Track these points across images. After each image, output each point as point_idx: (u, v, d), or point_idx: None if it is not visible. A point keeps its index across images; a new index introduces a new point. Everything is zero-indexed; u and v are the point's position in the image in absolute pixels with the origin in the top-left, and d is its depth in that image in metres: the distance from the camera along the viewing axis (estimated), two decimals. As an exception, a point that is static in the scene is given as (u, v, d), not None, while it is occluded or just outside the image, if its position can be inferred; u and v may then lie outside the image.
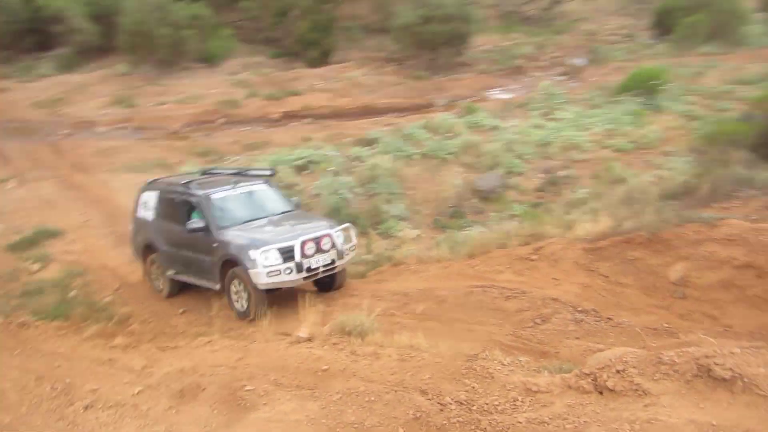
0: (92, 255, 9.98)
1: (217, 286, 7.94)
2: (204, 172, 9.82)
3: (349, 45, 26.68)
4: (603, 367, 3.85)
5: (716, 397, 3.31)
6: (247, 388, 4.74)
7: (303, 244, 7.44)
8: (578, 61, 24.51)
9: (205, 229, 7.91)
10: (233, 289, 7.74)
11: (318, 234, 7.69)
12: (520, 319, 6.25)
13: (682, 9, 24.54)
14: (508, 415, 3.82)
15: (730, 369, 3.37)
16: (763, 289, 5.84)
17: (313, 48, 24.28)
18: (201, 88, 20.05)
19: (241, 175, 9.22)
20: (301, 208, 9.06)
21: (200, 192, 8.31)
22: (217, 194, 8.30)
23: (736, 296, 5.93)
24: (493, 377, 4.30)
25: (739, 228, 6.26)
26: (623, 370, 3.72)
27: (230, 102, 18.85)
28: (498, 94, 21.33)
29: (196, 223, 7.95)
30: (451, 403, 4.06)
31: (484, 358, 4.72)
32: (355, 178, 11.84)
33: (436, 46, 23.44)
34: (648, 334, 5.55)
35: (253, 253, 7.34)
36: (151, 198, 9.12)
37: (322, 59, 24.31)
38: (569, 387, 3.92)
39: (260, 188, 8.73)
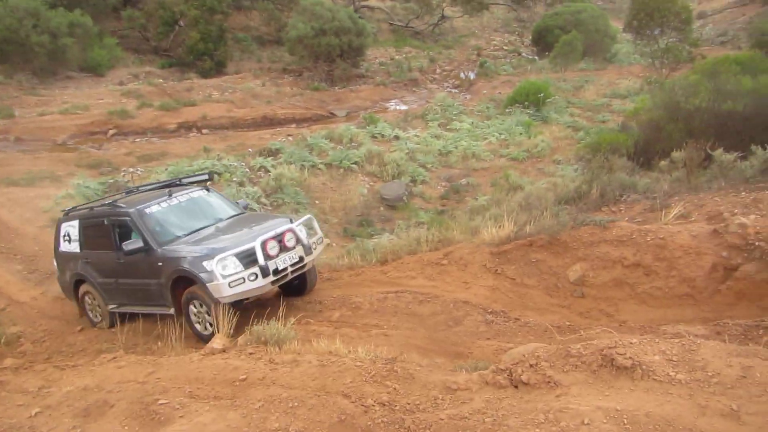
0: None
1: (171, 310, 7.23)
2: (128, 191, 8.87)
3: (243, 56, 26.35)
4: (517, 363, 4.11)
5: (619, 384, 3.63)
6: (161, 401, 4.57)
7: (264, 244, 6.76)
8: (469, 75, 25.63)
9: (145, 249, 7.11)
10: (193, 310, 7.01)
11: (278, 231, 7.01)
12: (434, 323, 6.47)
13: (558, 28, 26.37)
14: (430, 413, 3.98)
15: (631, 358, 3.71)
16: (651, 286, 6.41)
17: (206, 58, 23.75)
18: (87, 98, 18.99)
19: (173, 185, 8.41)
20: (248, 210, 8.35)
21: (131, 209, 7.45)
22: (152, 207, 7.53)
23: (628, 293, 6.46)
24: (413, 378, 4.45)
25: (627, 230, 6.80)
26: (536, 364, 3.99)
27: (121, 112, 17.98)
28: (396, 105, 21.88)
29: (132, 243, 7.07)
30: (374, 405, 4.16)
31: (403, 361, 4.89)
32: (261, 188, 11.72)
33: (332, 58, 23.69)
34: (554, 332, 5.94)
35: (209, 264, 6.58)
36: (72, 228, 8.21)
37: (216, 70, 23.83)
38: (487, 383, 4.14)
39: (199, 195, 8.03)
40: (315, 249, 7.32)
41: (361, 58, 25.33)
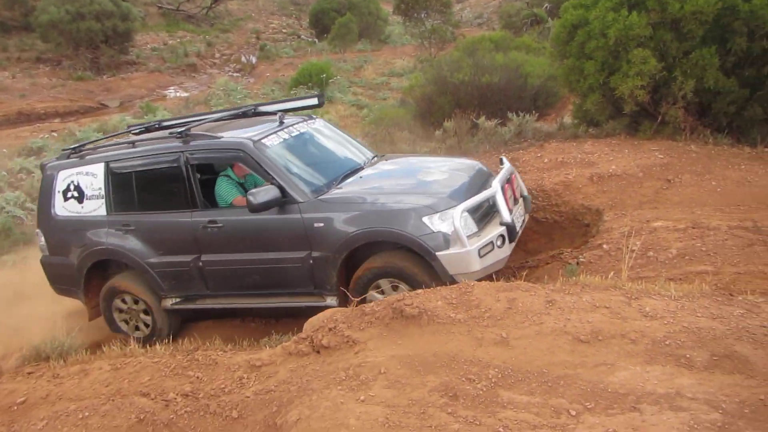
0: None
1: (331, 299, 5.08)
2: (147, 126, 6.34)
3: (-17, 44, 23.02)
4: (318, 329, 4.24)
5: (409, 332, 3.93)
6: None
7: (504, 190, 5.01)
8: (250, 58, 25.26)
9: (283, 202, 4.91)
10: (376, 297, 4.80)
11: (506, 174, 5.27)
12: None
13: (334, 11, 27.13)
14: (236, 394, 3.95)
15: (417, 307, 4.02)
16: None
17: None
18: None
19: (275, 111, 5.95)
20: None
21: (243, 140, 5.17)
22: (271, 139, 5.30)
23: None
24: (216, 363, 4.37)
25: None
26: (335, 327, 4.15)
27: None
28: (176, 92, 20.79)
29: (264, 193, 4.82)
30: (176, 398, 4.02)
31: (206, 348, 4.76)
32: (25, 193, 10.40)
33: (95, 44, 21.72)
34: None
35: (438, 221, 4.65)
36: (85, 178, 5.69)
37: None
38: (290, 354, 4.22)
39: (317, 127, 5.95)
40: (529, 202, 5.70)
41: (130, 44, 23.61)
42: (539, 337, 3.61)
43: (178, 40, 26.28)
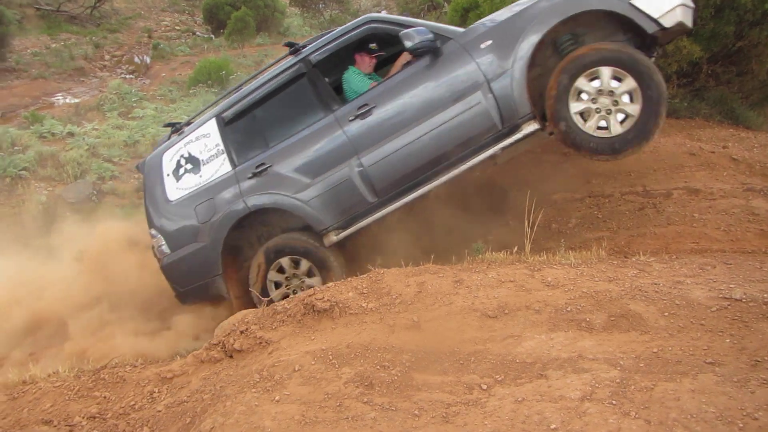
0: None
1: (529, 125, 4.48)
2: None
3: None
4: (229, 333, 4.13)
5: (322, 326, 3.90)
6: None
7: None
8: (143, 58, 24.15)
9: (433, 43, 4.51)
10: (581, 107, 4.35)
11: None
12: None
13: (228, 5, 26.37)
14: (147, 410, 3.79)
15: (328, 300, 4.00)
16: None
17: None
18: None
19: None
20: None
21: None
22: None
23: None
24: (125, 380, 4.17)
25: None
26: (246, 330, 4.06)
27: None
28: (64, 99, 19.55)
29: (418, 33, 4.42)
30: (81, 421, 3.82)
31: (113, 366, 4.53)
32: None
33: (-33, 51, 20.10)
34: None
35: None
36: (197, 144, 5.14)
37: None
38: (202, 362, 4.09)
39: None
40: None
41: (8, 50, 21.92)
42: (449, 317, 3.67)
43: (62, 43, 24.63)
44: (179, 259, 5.22)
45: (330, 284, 4.25)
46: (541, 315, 3.57)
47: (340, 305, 3.95)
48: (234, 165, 5.08)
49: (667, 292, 3.60)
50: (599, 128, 4.42)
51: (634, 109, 4.31)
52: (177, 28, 28.32)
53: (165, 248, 5.27)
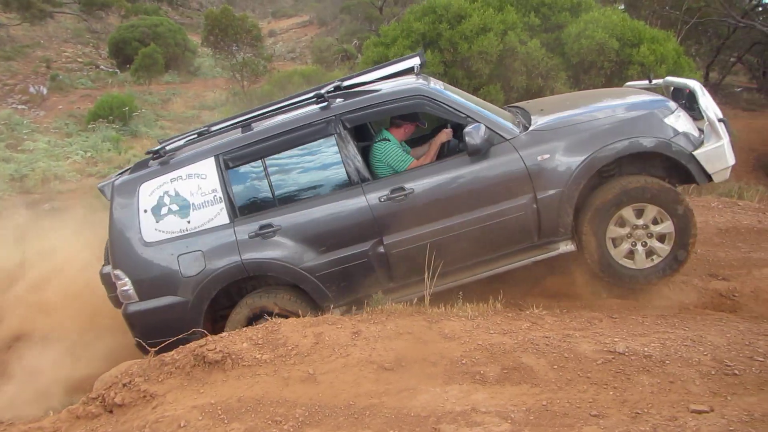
0: None
1: (566, 245, 4.50)
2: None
3: None
4: (110, 386, 3.84)
5: (212, 379, 3.72)
6: None
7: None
8: (39, 89, 22.91)
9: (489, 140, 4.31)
10: (618, 232, 4.45)
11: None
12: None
13: (137, 40, 25.72)
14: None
15: (221, 351, 3.83)
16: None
17: None
18: None
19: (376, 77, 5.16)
20: None
21: (411, 83, 4.67)
22: (432, 82, 4.77)
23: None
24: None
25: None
26: (130, 382, 3.79)
27: None
28: (-54, 127, 18.08)
29: (478, 131, 4.21)
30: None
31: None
32: None
33: None
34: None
35: (676, 118, 4.46)
36: (188, 183, 4.48)
37: None
38: (78, 417, 3.78)
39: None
40: None
41: None
42: (346, 370, 3.60)
43: (-51, 69, 23.07)
44: (150, 310, 4.61)
45: (224, 334, 4.07)
46: (437, 367, 3.57)
47: (233, 356, 3.78)
48: (232, 218, 4.57)
49: (557, 345, 3.72)
50: (625, 257, 4.62)
51: (664, 250, 4.56)
52: (79, 60, 27.16)
53: (131, 293, 4.64)
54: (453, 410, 3.18)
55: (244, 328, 4.14)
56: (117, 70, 26.17)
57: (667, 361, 3.48)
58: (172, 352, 3.99)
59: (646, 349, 3.61)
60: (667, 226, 4.51)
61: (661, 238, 4.56)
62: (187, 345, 4.05)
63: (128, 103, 18.10)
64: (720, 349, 3.62)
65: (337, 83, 5.16)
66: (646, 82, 5.50)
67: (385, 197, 4.47)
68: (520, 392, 3.33)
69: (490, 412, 3.14)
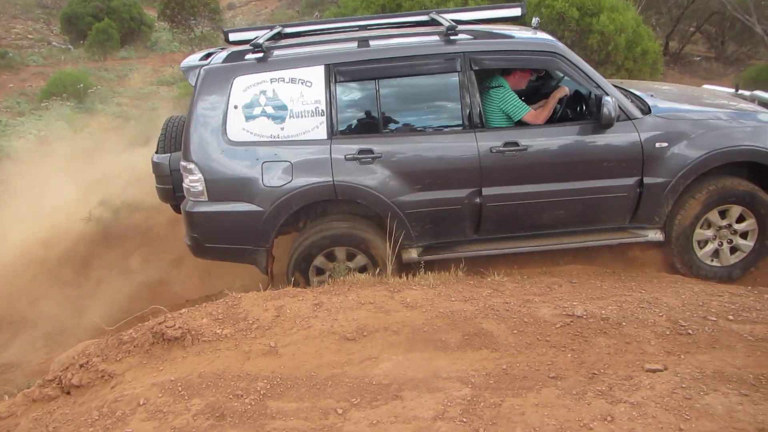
0: None
1: (654, 233, 4.60)
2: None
3: None
4: (67, 368, 3.75)
5: (172, 356, 3.65)
6: None
7: None
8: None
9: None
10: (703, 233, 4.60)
11: None
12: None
13: (90, 15, 24.84)
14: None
15: (180, 327, 3.76)
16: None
17: None
18: None
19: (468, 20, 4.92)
20: None
21: (547, 37, 4.55)
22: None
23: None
24: (-63, 427, 3.65)
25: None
26: (87, 363, 3.71)
27: None
28: None
29: (611, 104, 4.16)
30: None
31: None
32: None
33: None
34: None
35: None
36: (291, 88, 4.13)
37: None
38: (34, 401, 3.68)
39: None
40: None
41: None
42: (307, 341, 3.58)
43: None
44: (219, 214, 4.33)
45: (183, 310, 4.00)
46: (399, 336, 3.58)
47: (193, 333, 3.72)
48: (330, 135, 4.28)
49: (517, 310, 3.76)
50: (711, 257, 4.81)
51: (747, 246, 4.77)
52: (30, 36, 26.11)
53: (200, 190, 4.31)
54: (415, 377, 3.20)
55: (204, 304, 4.07)
56: (70, 47, 25.25)
57: (624, 323, 3.55)
58: (130, 330, 3.91)
59: (603, 311, 3.68)
60: (750, 223, 4.72)
61: (744, 235, 4.78)
62: (146, 323, 3.97)
63: (83, 80, 17.52)
64: (675, 310, 3.71)
65: (432, 15, 4.95)
66: (732, 90, 5.76)
67: (496, 149, 4.37)
68: (480, 357, 3.36)
69: (451, 378, 3.17)
